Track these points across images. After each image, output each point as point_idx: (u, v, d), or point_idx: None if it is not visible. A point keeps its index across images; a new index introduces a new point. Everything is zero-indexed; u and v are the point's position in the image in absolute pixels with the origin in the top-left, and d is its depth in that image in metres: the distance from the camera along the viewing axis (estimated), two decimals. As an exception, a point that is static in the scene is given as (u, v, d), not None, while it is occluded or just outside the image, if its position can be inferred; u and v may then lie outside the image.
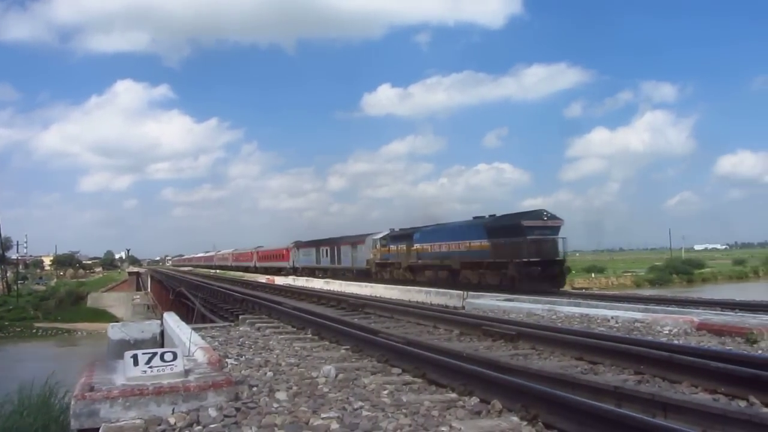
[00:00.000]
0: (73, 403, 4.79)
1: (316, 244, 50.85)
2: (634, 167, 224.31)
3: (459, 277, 27.16)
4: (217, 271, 77.30)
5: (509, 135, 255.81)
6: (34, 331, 66.81)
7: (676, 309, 12.84)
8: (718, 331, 9.67)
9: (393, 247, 35.59)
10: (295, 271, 51.74)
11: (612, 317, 11.76)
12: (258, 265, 68.28)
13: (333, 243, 46.97)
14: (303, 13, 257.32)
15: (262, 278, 45.84)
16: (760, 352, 8.29)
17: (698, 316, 10.91)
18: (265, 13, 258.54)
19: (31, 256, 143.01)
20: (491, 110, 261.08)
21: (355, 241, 42.50)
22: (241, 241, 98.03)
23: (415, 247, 32.45)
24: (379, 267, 36.68)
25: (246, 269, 70.24)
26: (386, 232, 37.76)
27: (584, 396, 5.14)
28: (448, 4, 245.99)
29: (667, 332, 10.07)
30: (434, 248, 30.78)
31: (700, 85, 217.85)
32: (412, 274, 32.08)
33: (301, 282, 36.44)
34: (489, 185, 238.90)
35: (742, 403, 5.49)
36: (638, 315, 11.58)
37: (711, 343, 9.06)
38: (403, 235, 34.58)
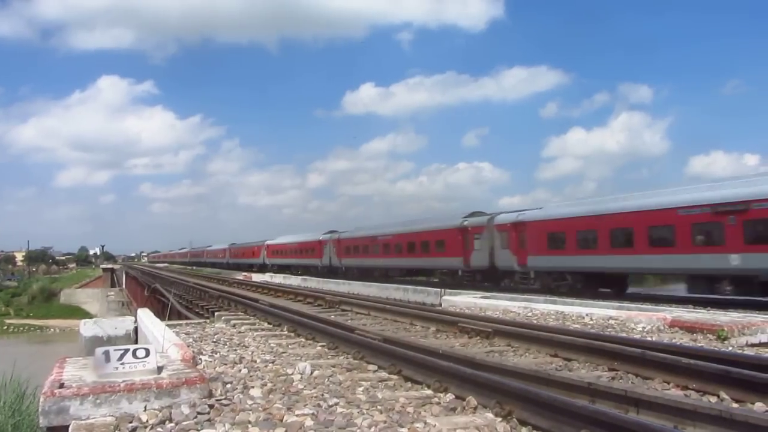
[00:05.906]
0: (42, 400, 4.68)
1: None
2: (609, 167, 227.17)
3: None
4: (194, 267, 74.66)
5: (489, 134, 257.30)
6: (5, 327, 65.77)
7: (650, 306, 13.01)
8: (690, 328, 9.84)
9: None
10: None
11: (587, 314, 11.88)
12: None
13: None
14: (286, 12, 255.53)
15: (239, 275, 45.39)
16: (730, 348, 8.45)
17: (671, 313, 11.07)
18: (249, 12, 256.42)
19: (2, 251, 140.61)
20: (472, 110, 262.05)
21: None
22: (219, 238, 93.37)
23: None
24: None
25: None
26: None
27: (558, 392, 5.18)
28: (431, 6, 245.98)
29: (640, 329, 10.20)
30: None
31: (676, 87, 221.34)
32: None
33: (279, 279, 36.28)
34: (468, 183, 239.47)
35: (713, 399, 5.59)
36: (612, 312, 11.71)
37: (683, 339, 9.22)
38: None
